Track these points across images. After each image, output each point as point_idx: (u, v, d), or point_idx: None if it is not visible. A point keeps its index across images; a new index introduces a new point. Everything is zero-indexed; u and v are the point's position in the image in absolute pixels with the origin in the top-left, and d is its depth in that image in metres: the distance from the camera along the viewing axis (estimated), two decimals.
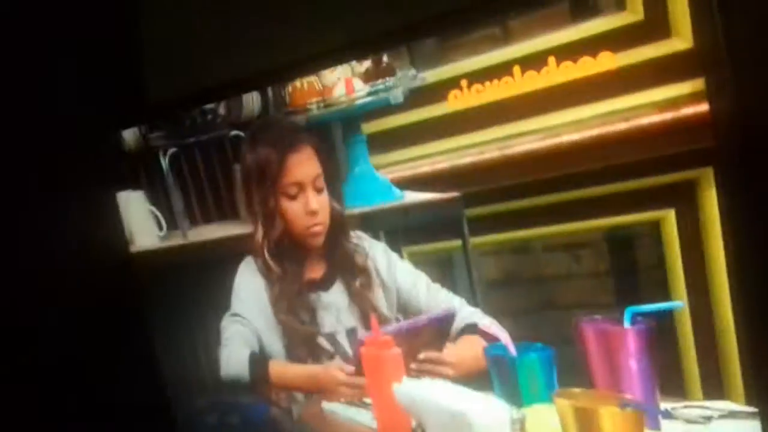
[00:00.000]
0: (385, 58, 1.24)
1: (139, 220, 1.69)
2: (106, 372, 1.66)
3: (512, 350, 1.08)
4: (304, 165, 1.27)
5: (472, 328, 1.21)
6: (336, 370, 1.26)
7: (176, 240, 1.59)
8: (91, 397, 1.65)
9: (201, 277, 1.55)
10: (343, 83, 1.30)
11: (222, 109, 1.52)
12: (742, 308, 0.93)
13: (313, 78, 1.34)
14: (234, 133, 1.47)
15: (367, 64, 1.27)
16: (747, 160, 0.88)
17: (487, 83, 1.08)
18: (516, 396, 1.07)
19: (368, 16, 1.18)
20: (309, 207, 1.26)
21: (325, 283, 1.32)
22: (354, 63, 1.28)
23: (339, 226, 1.30)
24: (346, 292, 1.31)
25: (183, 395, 1.63)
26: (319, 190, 1.27)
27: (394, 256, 1.29)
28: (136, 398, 1.64)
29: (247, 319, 1.32)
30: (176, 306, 1.60)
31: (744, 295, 0.92)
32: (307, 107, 1.34)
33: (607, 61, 0.96)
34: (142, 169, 1.65)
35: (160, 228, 1.63)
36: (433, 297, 1.25)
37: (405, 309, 1.27)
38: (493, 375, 1.10)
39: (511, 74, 1.06)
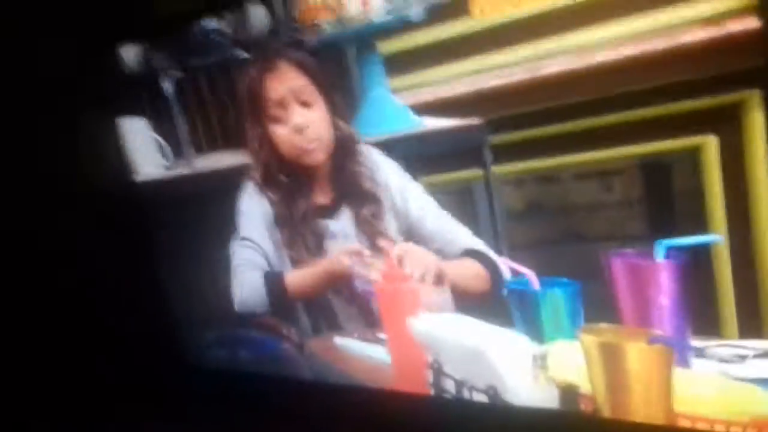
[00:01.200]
0: None
1: (143, 149, 1.63)
2: (114, 303, 1.64)
3: (536, 284, 1.03)
4: (282, 81, 1.20)
5: (473, 253, 1.16)
6: (342, 255, 1.23)
7: (181, 169, 1.54)
8: (100, 329, 1.63)
9: (208, 207, 1.50)
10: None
11: (228, 28, 1.43)
12: None
13: None
14: (241, 55, 1.39)
15: None
16: None
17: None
18: (538, 332, 1.02)
19: None
20: (293, 123, 1.19)
21: (332, 210, 1.27)
22: None
23: (344, 146, 1.23)
24: (353, 219, 1.26)
25: (191, 327, 1.60)
26: (305, 104, 1.20)
27: (407, 177, 1.23)
28: (143, 329, 1.63)
29: (256, 243, 1.29)
30: (183, 236, 1.56)
31: None
32: (318, 25, 1.25)
33: None
34: (145, 94, 1.58)
35: (165, 157, 1.57)
36: (439, 226, 1.21)
37: (409, 233, 1.22)
38: (515, 310, 1.05)
39: None
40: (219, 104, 1.48)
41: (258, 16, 1.37)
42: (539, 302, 1.02)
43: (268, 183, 1.26)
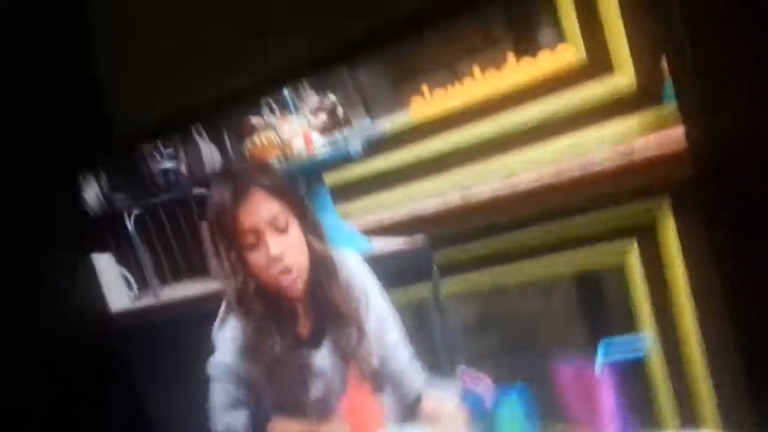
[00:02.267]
0: (340, 110, 1.24)
1: (110, 282, 1.68)
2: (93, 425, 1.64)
3: (491, 393, 1.08)
4: (255, 209, 1.15)
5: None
6: None
7: (148, 300, 1.58)
8: None
9: (178, 334, 1.54)
10: (301, 137, 1.30)
11: (183, 168, 1.51)
12: (708, 337, 0.94)
13: (270, 133, 1.34)
14: (198, 191, 1.47)
15: (323, 117, 1.27)
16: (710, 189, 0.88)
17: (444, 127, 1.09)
18: None
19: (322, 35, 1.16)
20: (269, 253, 1.15)
21: (314, 340, 1.21)
22: (310, 116, 1.28)
23: (322, 267, 1.18)
24: (336, 348, 1.19)
25: None
26: (281, 231, 1.16)
27: (385, 300, 1.18)
28: None
29: (234, 372, 1.24)
30: (158, 361, 1.58)
31: (708, 320, 0.93)
32: (267, 162, 1.34)
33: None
34: (108, 231, 1.64)
35: (131, 289, 1.62)
36: (406, 366, 1.20)
37: (382, 364, 1.21)
38: (473, 422, 1.10)
39: (466, 118, 1.07)
40: (180, 236, 1.54)
41: (210, 155, 1.46)
42: (495, 410, 1.07)
43: (244, 311, 1.20)
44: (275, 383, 1.19)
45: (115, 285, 1.67)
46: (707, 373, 0.95)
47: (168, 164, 1.51)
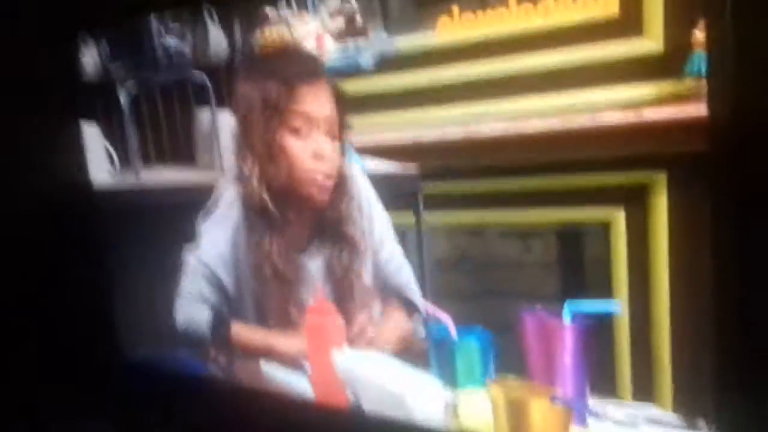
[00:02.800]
0: (359, 18, 1.19)
1: (92, 154, 1.64)
2: (59, 302, 1.65)
3: (453, 332, 1.08)
4: (318, 99, 1.09)
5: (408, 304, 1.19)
6: (296, 348, 1.22)
7: (128, 178, 1.55)
8: (42, 322, 1.64)
9: (155, 220, 1.52)
10: (314, 38, 1.25)
11: (187, 49, 1.46)
12: (679, 317, 0.93)
13: (284, 28, 1.29)
14: (198, 75, 1.42)
15: (340, 21, 1.22)
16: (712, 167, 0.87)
17: (457, 59, 1.05)
18: (453, 377, 1.07)
19: None
20: (316, 149, 1.08)
21: (310, 249, 1.21)
22: (327, 19, 1.23)
23: (344, 186, 1.14)
24: (327, 259, 1.20)
25: (124, 341, 1.61)
26: (333, 137, 1.09)
27: (388, 221, 1.19)
28: (84, 325, 1.64)
29: (212, 271, 1.22)
30: (133, 243, 1.57)
31: (683, 305, 0.93)
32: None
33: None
34: (100, 101, 1.59)
35: (113, 164, 1.59)
36: (401, 278, 1.20)
37: (375, 277, 1.21)
38: (433, 356, 1.10)
39: (481, 52, 1.02)
40: (172, 119, 1.50)
41: (218, 41, 1.41)
42: (455, 349, 1.07)
43: (270, 202, 1.14)
44: (258, 283, 1.19)
45: (97, 158, 1.64)
46: (670, 353, 0.95)
47: (172, 41, 1.45)
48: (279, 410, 1.27)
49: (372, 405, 1.13)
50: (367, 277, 1.20)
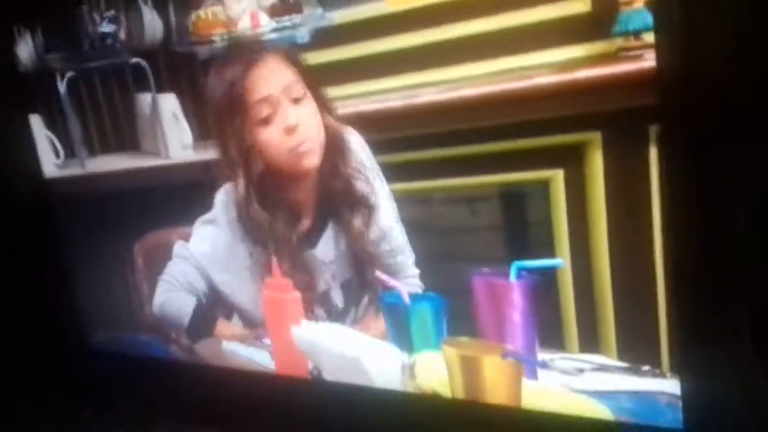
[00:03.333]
0: None
1: (39, 146, 1.61)
2: (18, 292, 1.64)
3: (406, 298, 1.10)
4: (270, 75, 1.09)
5: None
6: None
7: (74, 169, 1.53)
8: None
9: (104, 208, 1.51)
10: (248, 16, 1.24)
11: (122, 34, 1.43)
12: (619, 270, 0.97)
13: (218, 8, 1.27)
14: (135, 60, 1.40)
15: None
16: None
17: (392, 30, 1.06)
18: (408, 342, 1.10)
19: None
20: (285, 123, 1.07)
21: (313, 236, 1.17)
22: None
23: (337, 145, 1.10)
24: (342, 237, 1.16)
25: (85, 326, 1.61)
26: (296, 101, 1.08)
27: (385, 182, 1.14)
28: (46, 313, 1.64)
29: (200, 264, 1.22)
30: (91, 232, 1.56)
31: (622, 258, 0.97)
32: (211, 38, 1.28)
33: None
34: (39, 92, 1.56)
35: (57, 155, 1.57)
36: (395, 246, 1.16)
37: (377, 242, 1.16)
38: (387, 322, 1.13)
39: (415, 22, 1.03)
40: (112, 106, 1.48)
41: (153, 24, 1.39)
42: (409, 315, 1.10)
43: (259, 209, 1.13)
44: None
45: (42, 150, 1.61)
46: (612, 304, 0.99)
47: (107, 28, 1.43)
48: (243, 385, 1.30)
49: (332, 373, 1.16)
50: (381, 245, 1.15)
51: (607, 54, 0.92)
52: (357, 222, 1.12)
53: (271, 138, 1.11)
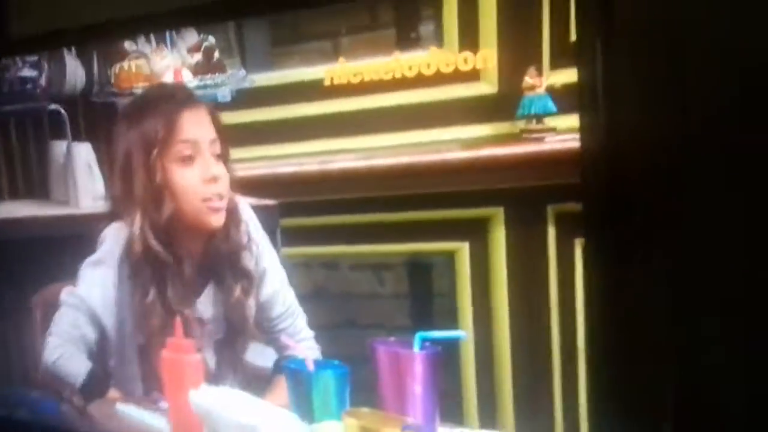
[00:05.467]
0: (216, 54, 1.20)
1: None
2: None
3: (310, 365, 1.08)
4: (200, 123, 1.06)
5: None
6: None
7: None
8: None
9: (7, 255, 1.45)
10: (171, 72, 1.25)
11: (43, 80, 1.41)
12: (518, 346, 0.99)
13: (142, 61, 1.27)
14: (53, 107, 1.37)
15: (198, 57, 1.22)
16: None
17: (311, 97, 1.08)
18: (309, 412, 1.08)
19: None
20: (207, 173, 1.04)
21: (196, 289, 1.14)
22: (185, 54, 1.23)
23: (232, 214, 1.10)
24: (220, 298, 1.14)
25: None
26: (217, 157, 1.06)
27: (273, 251, 1.14)
28: None
29: (95, 312, 1.15)
30: None
31: (521, 334, 0.98)
32: (132, 91, 1.28)
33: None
34: None
35: None
36: (284, 310, 1.15)
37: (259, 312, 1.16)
38: (289, 389, 1.10)
39: (334, 91, 1.06)
40: (26, 152, 1.44)
41: (75, 73, 1.37)
42: (312, 383, 1.08)
43: (150, 244, 1.08)
44: (143, 333, 1.12)
45: None
46: (511, 380, 0.99)
47: (28, 72, 1.40)
48: None
49: None
50: (252, 315, 1.16)
51: (511, 134, 0.96)
52: (237, 290, 1.11)
53: (189, 181, 1.09)
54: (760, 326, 0.85)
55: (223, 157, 1.11)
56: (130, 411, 1.24)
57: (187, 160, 1.09)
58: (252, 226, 1.13)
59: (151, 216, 1.07)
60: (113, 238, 1.15)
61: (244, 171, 1.17)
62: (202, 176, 1.10)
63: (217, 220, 1.10)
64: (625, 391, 0.89)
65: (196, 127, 1.11)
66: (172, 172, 1.06)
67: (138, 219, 1.10)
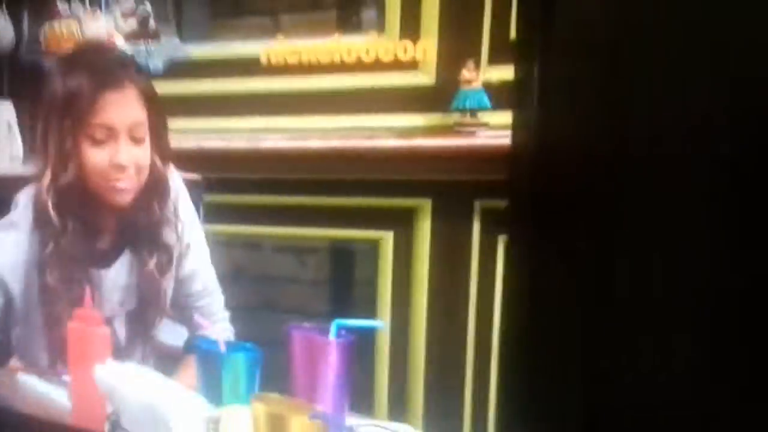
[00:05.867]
0: (152, 22, 1.17)
1: None
2: None
3: (222, 346, 1.05)
4: (123, 107, 1.02)
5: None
6: None
7: None
8: None
9: None
10: (104, 37, 1.20)
11: None
12: (433, 340, 0.98)
13: (73, 23, 1.22)
14: None
15: (132, 23, 1.18)
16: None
17: (247, 72, 1.05)
18: (218, 394, 1.04)
19: None
20: (116, 159, 1.01)
21: (109, 256, 1.07)
22: (120, 19, 1.19)
23: (157, 188, 1.08)
24: (135, 269, 1.12)
25: None
26: (137, 141, 1.04)
27: (199, 226, 1.10)
28: None
29: (1, 277, 1.08)
30: None
31: (437, 329, 0.98)
32: (60, 52, 1.22)
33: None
34: None
35: None
36: (203, 287, 1.12)
37: (177, 288, 1.13)
38: (199, 369, 1.07)
39: (270, 69, 1.04)
40: None
41: (4, 28, 1.31)
42: (222, 364, 1.04)
43: (56, 207, 1.03)
44: (49, 298, 1.07)
45: None
46: (424, 375, 0.99)
47: None
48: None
49: (132, 421, 1.08)
50: (169, 290, 1.13)
51: (444, 127, 0.96)
52: (151, 262, 1.09)
53: (95, 161, 1.03)
54: (678, 325, 0.86)
55: (154, 137, 1.07)
56: (31, 382, 1.18)
57: (98, 142, 1.05)
58: (181, 202, 1.09)
59: (56, 181, 1.05)
60: (27, 201, 1.10)
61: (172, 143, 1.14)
62: (109, 161, 1.05)
63: (122, 198, 1.05)
64: (535, 390, 0.90)
65: (116, 111, 1.04)
66: (81, 146, 1.00)
67: (46, 181, 1.05)
